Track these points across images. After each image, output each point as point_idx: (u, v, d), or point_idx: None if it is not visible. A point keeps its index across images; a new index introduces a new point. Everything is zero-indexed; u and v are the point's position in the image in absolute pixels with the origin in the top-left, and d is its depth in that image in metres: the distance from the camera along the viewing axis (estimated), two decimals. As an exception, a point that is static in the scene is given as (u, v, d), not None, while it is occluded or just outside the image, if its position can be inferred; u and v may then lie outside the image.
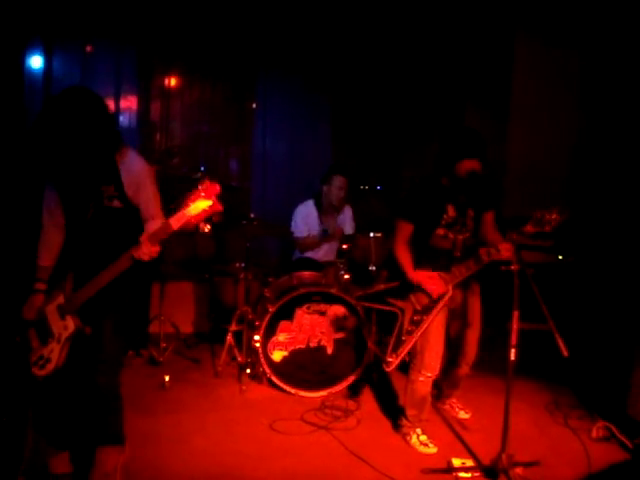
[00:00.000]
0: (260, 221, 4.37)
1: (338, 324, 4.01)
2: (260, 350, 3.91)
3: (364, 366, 3.97)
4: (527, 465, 2.93)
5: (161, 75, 5.76)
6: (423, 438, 3.27)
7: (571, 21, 5.31)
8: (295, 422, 3.52)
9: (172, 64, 5.74)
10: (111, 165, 2.51)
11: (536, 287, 2.74)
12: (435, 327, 3.17)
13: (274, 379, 3.91)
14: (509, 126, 5.54)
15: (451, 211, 3.21)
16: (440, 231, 3.21)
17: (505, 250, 2.98)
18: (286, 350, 3.97)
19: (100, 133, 2.41)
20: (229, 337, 4.25)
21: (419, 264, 3.20)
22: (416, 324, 3.14)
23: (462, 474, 2.97)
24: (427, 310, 3.14)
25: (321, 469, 3.02)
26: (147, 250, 2.38)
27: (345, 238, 4.56)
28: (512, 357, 2.80)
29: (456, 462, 3.06)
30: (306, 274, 4.26)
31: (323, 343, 4.01)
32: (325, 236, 4.59)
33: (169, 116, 5.85)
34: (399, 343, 3.14)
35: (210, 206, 2.31)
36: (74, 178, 2.53)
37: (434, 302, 3.13)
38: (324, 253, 4.63)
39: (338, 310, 4.02)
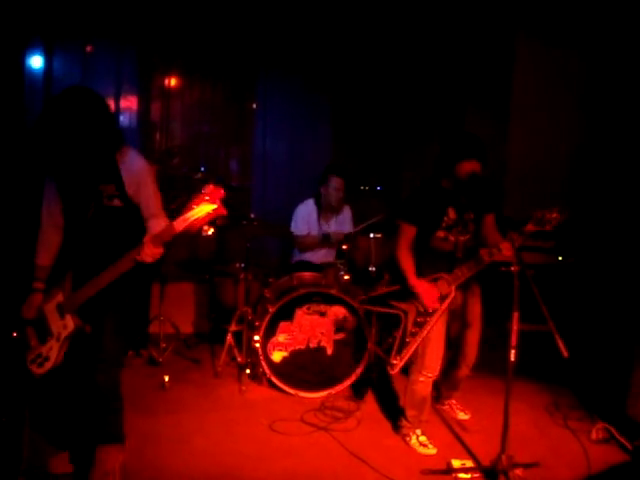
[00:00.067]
0: (260, 221, 4.37)
1: (338, 325, 4.01)
2: (260, 350, 3.91)
3: (364, 367, 3.97)
4: (527, 466, 2.93)
5: (161, 75, 5.74)
6: (423, 439, 3.27)
7: (571, 21, 5.31)
8: (295, 423, 3.52)
9: (172, 64, 5.72)
10: (112, 164, 2.51)
11: (536, 288, 2.74)
12: (436, 328, 3.17)
13: (274, 379, 3.91)
14: (509, 126, 5.53)
15: (452, 213, 3.21)
16: (440, 233, 3.21)
17: (506, 249, 2.99)
18: (286, 351, 3.97)
19: (101, 132, 2.42)
20: (229, 337, 4.25)
21: (420, 267, 3.19)
22: (420, 326, 3.14)
23: (462, 475, 2.97)
24: (431, 312, 3.14)
25: (321, 470, 3.02)
26: (150, 252, 2.39)
27: (345, 238, 4.55)
28: (512, 358, 2.80)
29: (456, 463, 3.06)
30: (306, 275, 4.25)
31: (323, 344, 4.01)
32: (326, 241, 4.59)
33: (169, 116, 5.84)
34: (403, 345, 3.14)
35: (214, 210, 2.32)
36: (75, 177, 2.54)
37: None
38: (323, 255, 4.62)
39: (338, 311, 4.02)
